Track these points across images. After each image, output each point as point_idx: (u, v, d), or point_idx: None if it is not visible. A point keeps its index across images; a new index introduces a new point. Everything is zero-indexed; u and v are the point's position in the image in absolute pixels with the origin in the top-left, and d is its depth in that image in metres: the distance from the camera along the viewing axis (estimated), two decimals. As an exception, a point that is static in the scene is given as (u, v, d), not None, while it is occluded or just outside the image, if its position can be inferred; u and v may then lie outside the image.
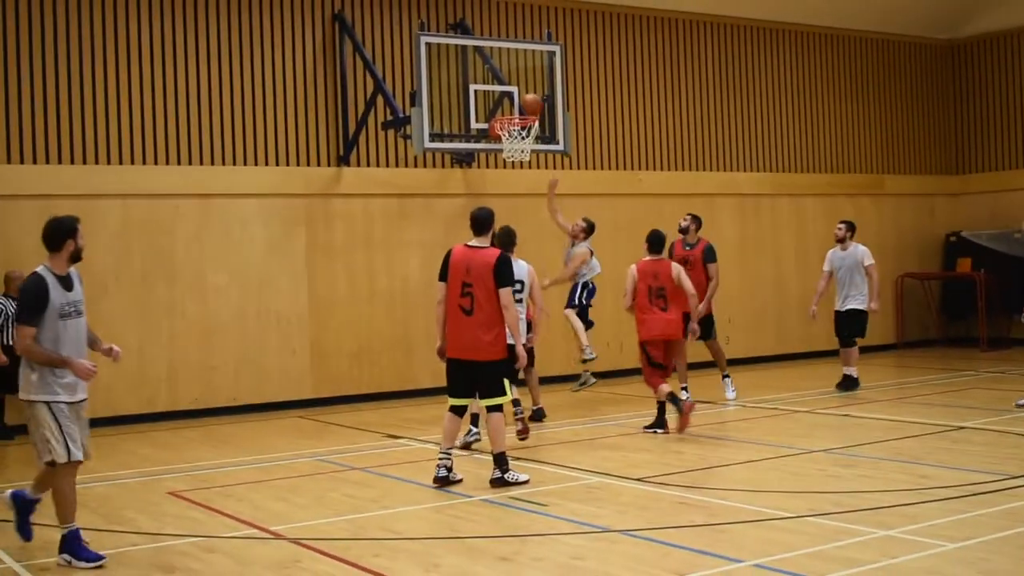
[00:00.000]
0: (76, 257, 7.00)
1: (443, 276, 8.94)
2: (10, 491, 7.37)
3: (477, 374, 8.82)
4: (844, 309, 13.87)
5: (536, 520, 7.66)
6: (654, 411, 11.30)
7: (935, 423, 11.15)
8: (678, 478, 8.85)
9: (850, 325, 13.87)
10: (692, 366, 13.24)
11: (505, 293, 8.75)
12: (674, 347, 11.47)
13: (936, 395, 13.40)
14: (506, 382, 8.95)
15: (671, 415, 11.22)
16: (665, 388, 11.11)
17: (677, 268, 11.55)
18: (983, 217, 19.90)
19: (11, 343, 12.48)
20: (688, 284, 11.47)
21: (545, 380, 15.23)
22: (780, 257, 18.48)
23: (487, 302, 8.73)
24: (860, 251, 13.85)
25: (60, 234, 6.93)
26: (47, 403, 6.77)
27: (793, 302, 18.47)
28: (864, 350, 19.14)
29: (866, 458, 9.40)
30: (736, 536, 6.97)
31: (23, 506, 7.32)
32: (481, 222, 9.03)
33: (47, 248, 6.96)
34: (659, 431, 11.18)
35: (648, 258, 11.46)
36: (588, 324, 12.89)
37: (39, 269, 6.90)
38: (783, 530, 7.02)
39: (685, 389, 12.76)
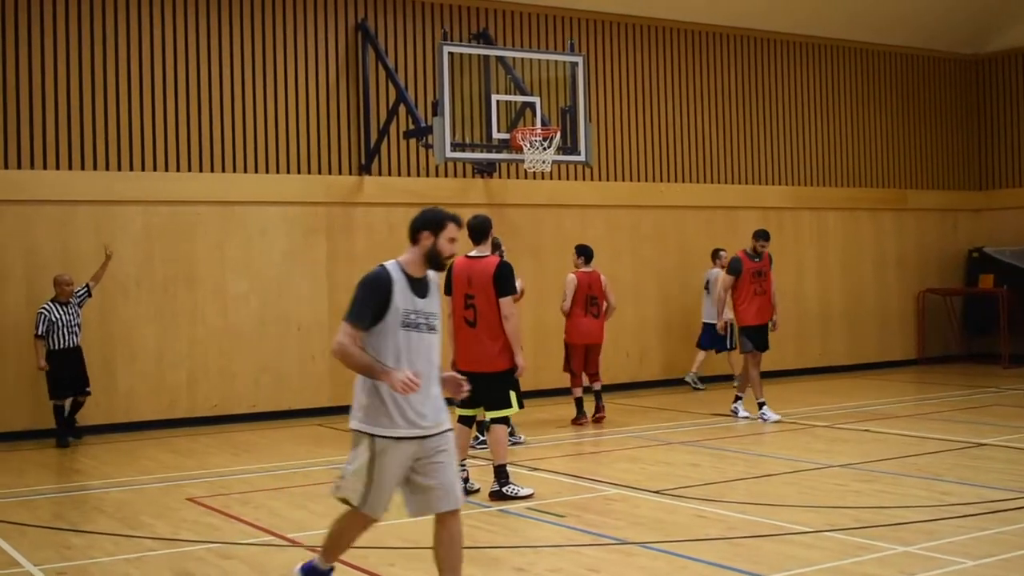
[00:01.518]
0: (433, 257, 5.62)
1: (448, 290, 8.83)
2: (299, 566, 5.94)
3: (482, 386, 8.65)
4: None
5: (553, 531, 7.65)
6: (674, 423, 11.31)
7: (955, 439, 11.08)
8: (696, 491, 8.82)
9: None
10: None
11: (506, 303, 8.61)
12: (596, 351, 12.67)
13: (957, 411, 13.31)
14: (512, 394, 8.77)
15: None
16: (577, 391, 12.67)
17: (605, 279, 12.82)
18: (1006, 233, 19.78)
19: (59, 348, 12.46)
20: (612, 294, 12.80)
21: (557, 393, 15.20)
22: (801, 271, 18.38)
23: (490, 312, 8.60)
24: None
25: (414, 224, 5.63)
26: (371, 436, 5.55)
27: (813, 316, 18.40)
28: (885, 365, 19.03)
29: (885, 474, 9.34)
30: (754, 550, 6.93)
31: None
32: (478, 230, 8.83)
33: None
34: (582, 420, 12.62)
35: (583, 269, 12.64)
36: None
37: (388, 263, 5.60)
38: (801, 545, 6.98)
39: (739, 399, 13.09)
